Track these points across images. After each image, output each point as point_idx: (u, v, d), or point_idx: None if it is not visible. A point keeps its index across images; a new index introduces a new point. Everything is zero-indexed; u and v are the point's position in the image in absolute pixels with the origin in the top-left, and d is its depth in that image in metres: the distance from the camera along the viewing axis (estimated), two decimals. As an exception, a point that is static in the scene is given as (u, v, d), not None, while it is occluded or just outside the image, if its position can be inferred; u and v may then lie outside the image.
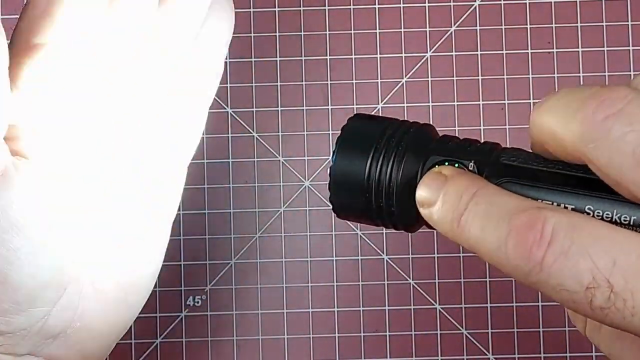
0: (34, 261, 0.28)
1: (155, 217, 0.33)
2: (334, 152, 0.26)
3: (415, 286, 0.47)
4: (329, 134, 0.47)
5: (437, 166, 0.25)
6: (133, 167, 0.32)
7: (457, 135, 0.47)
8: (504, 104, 0.47)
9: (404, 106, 0.47)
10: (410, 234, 0.47)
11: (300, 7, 0.48)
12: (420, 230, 0.27)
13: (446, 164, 0.25)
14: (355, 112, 0.47)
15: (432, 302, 0.46)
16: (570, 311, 0.27)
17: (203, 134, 0.47)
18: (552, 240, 0.21)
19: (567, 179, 0.23)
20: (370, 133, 0.26)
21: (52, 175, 0.29)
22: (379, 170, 0.26)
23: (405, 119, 0.28)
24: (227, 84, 0.48)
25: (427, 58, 0.48)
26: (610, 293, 0.20)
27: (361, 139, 0.26)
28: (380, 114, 0.47)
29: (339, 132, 0.27)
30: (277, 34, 0.48)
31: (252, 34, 0.48)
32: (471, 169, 0.25)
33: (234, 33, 0.48)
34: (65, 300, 0.30)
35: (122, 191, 0.32)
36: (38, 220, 0.28)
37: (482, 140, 0.26)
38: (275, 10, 0.48)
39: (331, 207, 0.27)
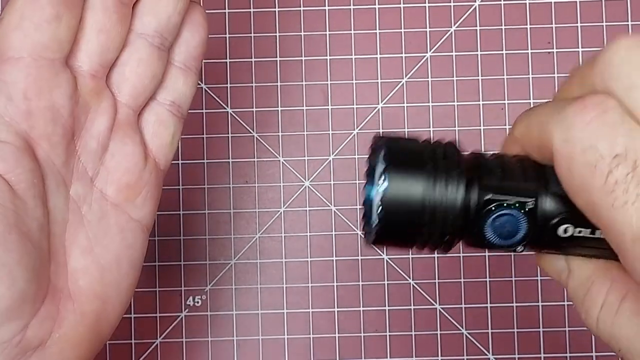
0: (9, 273, 0.28)
1: (130, 230, 0.33)
2: (381, 176, 0.25)
3: (415, 286, 0.47)
4: (329, 134, 0.47)
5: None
6: (105, 176, 0.32)
7: (457, 135, 0.47)
8: (504, 104, 0.47)
9: (404, 106, 0.47)
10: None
11: (300, 7, 0.48)
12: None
13: (505, 204, 0.25)
14: (355, 112, 0.47)
15: (432, 302, 0.46)
16: (582, 301, 0.27)
17: (203, 134, 0.47)
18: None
19: None
20: (414, 157, 0.25)
21: (21, 185, 0.29)
22: (433, 200, 0.25)
23: (432, 136, 0.27)
24: (227, 84, 0.48)
25: (427, 58, 0.48)
26: (632, 172, 0.21)
27: (408, 164, 0.25)
28: (380, 114, 0.47)
29: (368, 151, 0.25)
30: (277, 34, 0.48)
31: (252, 34, 0.48)
32: (532, 206, 0.25)
33: (234, 33, 0.48)
34: (43, 311, 0.30)
35: (94, 198, 0.32)
36: (11, 233, 0.28)
37: (512, 154, 0.26)
38: (275, 11, 0.48)
39: (372, 234, 0.25)
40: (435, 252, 0.26)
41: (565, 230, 0.25)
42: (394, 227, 0.25)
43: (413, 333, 0.46)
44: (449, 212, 0.25)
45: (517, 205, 0.25)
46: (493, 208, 0.25)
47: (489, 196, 0.25)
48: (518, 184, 0.25)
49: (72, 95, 0.31)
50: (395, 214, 0.25)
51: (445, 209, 0.25)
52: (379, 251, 0.47)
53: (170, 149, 0.35)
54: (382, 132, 0.26)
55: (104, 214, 0.32)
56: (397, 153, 0.25)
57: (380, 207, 0.25)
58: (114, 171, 0.32)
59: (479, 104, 0.47)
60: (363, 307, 0.47)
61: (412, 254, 0.47)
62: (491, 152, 0.26)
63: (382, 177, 0.24)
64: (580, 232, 0.25)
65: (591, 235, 0.25)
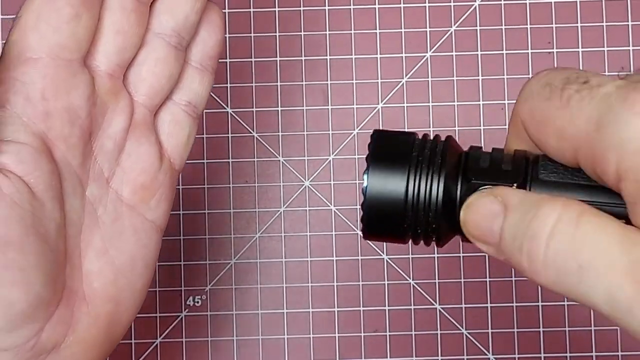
0: (26, 277, 0.28)
1: (145, 231, 0.33)
2: (365, 172, 0.25)
3: (415, 286, 0.47)
4: (329, 134, 0.47)
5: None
6: (120, 177, 0.32)
7: (456, 135, 0.47)
8: (504, 104, 0.47)
9: (404, 106, 0.47)
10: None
11: (300, 7, 0.48)
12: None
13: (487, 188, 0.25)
14: (355, 112, 0.47)
15: (432, 302, 0.46)
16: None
17: (203, 134, 0.47)
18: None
19: (602, 191, 0.23)
20: (400, 151, 0.25)
21: (39, 187, 0.29)
22: (416, 192, 0.25)
23: (425, 132, 0.27)
24: (227, 84, 0.48)
25: (427, 58, 0.48)
26: (583, 85, 0.23)
27: (392, 158, 0.25)
28: (380, 114, 0.47)
29: (370, 144, 0.25)
30: (277, 34, 0.48)
31: (252, 34, 0.48)
32: None
33: (234, 33, 0.48)
34: (58, 315, 0.30)
35: (108, 199, 0.32)
36: (29, 235, 0.28)
37: (512, 149, 0.26)
38: (275, 10, 0.48)
39: (362, 228, 0.26)
40: (434, 245, 0.26)
41: None
42: (378, 222, 0.25)
43: (413, 333, 0.46)
44: (431, 204, 0.25)
45: None
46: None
47: (471, 181, 0.25)
48: (502, 171, 0.25)
49: (90, 96, 0.31)
50: (377, 208, 0.25)
51: (427, 200, 0.25)
52: (379, 251, 0.47)
53: (186, 149, 0.34)
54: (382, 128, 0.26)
55: (118, 215, 0.32)
56: (381, 149, 0.26)
57: (363, 202, 0.25)
58: (129, 171, 0.32)
59: (479, 104, 0.47)
60: (363, 307, 0.47)
61: (412, 254, 0.47)
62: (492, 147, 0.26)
63: (365, 173, 0.25)
64: None
65: None
